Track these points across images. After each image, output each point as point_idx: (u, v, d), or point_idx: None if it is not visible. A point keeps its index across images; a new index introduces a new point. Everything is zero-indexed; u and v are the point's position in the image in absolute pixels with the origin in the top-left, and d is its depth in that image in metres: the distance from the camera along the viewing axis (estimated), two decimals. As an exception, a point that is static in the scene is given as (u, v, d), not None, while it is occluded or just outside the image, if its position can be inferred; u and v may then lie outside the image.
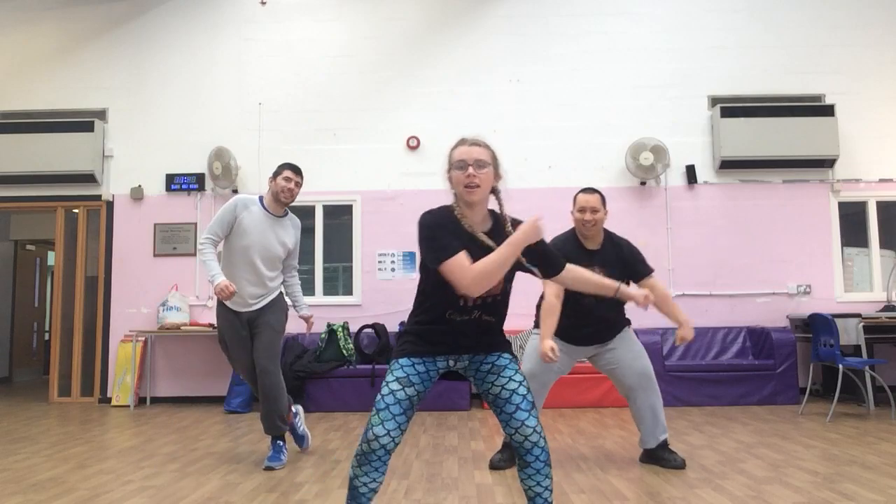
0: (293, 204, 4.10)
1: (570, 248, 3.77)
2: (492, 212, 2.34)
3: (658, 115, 6.98)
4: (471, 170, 2.22)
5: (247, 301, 3.95)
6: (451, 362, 2.33)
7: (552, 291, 3.51)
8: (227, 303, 3.97)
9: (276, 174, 3.99)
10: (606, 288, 2.48)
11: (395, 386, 2.21)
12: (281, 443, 3.98)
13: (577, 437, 4.73)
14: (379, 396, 2.21)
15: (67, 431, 5.21)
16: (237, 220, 3.92)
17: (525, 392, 2.24)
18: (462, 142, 2.31)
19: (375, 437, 2.16)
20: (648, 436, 3.81)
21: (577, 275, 2.46)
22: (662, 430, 3.80)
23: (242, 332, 3.98)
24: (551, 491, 2.27)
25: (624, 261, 3.74)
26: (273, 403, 3.91)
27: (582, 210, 3.71)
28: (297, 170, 4.03)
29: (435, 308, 2.28)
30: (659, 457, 3.79)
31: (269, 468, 3.83)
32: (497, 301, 2.30)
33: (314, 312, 6.63)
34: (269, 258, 3.96)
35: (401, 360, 2.26)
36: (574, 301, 3.58)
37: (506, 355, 2.33)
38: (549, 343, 3.13)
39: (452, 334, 2.28)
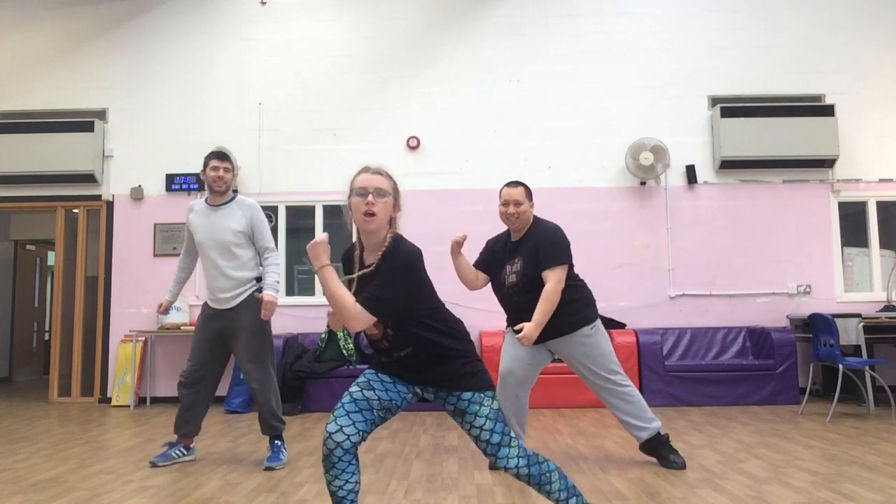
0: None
1: (499, 242, 3.88)
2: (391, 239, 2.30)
3: (658, 115, 6.98)
4: (370, 198, 2.22)
5: (216, 296, 3.99)
6: (419, 390, 2.35)
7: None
8: (206, 298, 4.07)
9: (203, 166, 4.06)
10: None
11: (353, 388, 2.29)
12: (279, 443, 3.98)
13: (577, 437, 4.73)
14: (338, 401, 2.28)
15: (67, 431, 5.21)
16: (189, 224, 4.10)
17: (488, 437, 2.25)
18: (365, 169, 2.32)
19: (329, 435, 2.18)
20: (634, 430, 3.81)
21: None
22: (647, 420, 3.77)
23: (208, 327, 3.98)
24: (564, 491, 2.34)
25: (538, 248, 3.67)
26: (263, 406, 3.95)
27: (505, 203, 3.72)
28: (221, 156, 4.08)
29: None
30: (660, 454, 3.79)
31: (269, 468, 3.84)
32: (396, 343, 2.28)
33: (315, 313, 6.77)
34: (220, 247, 3.96)
35: (366, 371, 2.37)
36: (500, 295, 3.83)
37: (465, 396, 2.25)
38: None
39: (391, 366, 2.34)
